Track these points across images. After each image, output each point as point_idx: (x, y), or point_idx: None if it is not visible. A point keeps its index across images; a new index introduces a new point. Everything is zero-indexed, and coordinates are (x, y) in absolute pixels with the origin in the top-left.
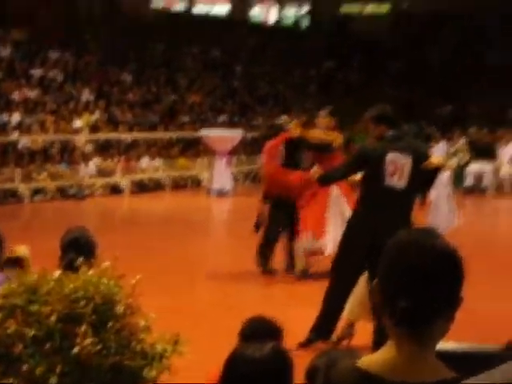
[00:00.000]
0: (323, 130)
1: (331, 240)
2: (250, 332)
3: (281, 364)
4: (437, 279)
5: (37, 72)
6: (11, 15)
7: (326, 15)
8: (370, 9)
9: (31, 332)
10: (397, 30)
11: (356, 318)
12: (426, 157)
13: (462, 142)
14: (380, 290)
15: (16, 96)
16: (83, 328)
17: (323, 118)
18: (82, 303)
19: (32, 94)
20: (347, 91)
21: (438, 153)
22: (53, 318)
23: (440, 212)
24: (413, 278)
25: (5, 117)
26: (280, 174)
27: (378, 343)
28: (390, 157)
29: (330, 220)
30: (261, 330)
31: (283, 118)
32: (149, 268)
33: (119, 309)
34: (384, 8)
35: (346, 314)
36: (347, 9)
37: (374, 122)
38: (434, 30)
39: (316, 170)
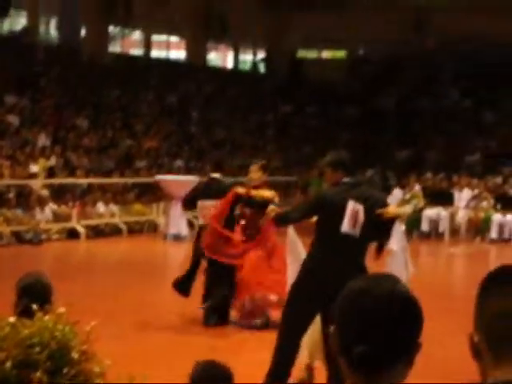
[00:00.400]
0: (255, 184)
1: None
2: (199, 377)
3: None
4: (395, 324)
5: None
6: None
7: (283, 60)
8: (326, 54)
9: None
10: (353, 75)
11: (315, 359)
12: (382, 205)
13: (417, 187)
14: (337, 335)
15: None
16: (38, 374)
17: (255, 173)
18: (38, 349)
19: None
20: (304, 136)
21: (393, 198)
22: (8, 364)
23: (396, 263)
24: (370, 324)
25: None
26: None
27: None
28: (349, 204)
29: (290, 267)
30: (211, 375)
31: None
32: (104, 313)
33: (74, 355)
34: (340, 54)
35: (304, 357)
36: (304, 54)
37: (330, 167)
38: (390, 74)
39: (272, 208)
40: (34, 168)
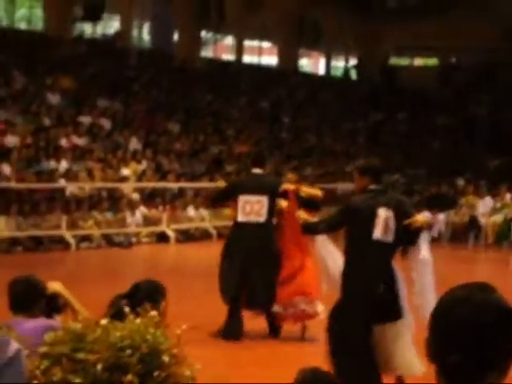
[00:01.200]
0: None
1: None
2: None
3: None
4: (491, 335)
5: (85, 119)
6: (60, 63)
7: (375, 67)
8: (418, 62)
9: (77, 380)
10: (444, 83)
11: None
12: (410, 213)
13: (508, 196)
14: (430, 342)
15: (64, 143)
16: (129, 377)
17: (289, 175)
18: (129, 352)
19: (80, 141)
20: (395, 143)
21: (484, 207)
22: (99, 367)
23: (429, 271)
24: (466, 333)
25: (52, 164)
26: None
27: None
28: (380, 211)
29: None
30: (317, 381)
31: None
32: (195, 317)
33: (165, 358)
34: (432, 61)
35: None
36: (395, 61)
37: (359, 172)
38: (482, 82)
39: (301, 213)
40: (125, 171)
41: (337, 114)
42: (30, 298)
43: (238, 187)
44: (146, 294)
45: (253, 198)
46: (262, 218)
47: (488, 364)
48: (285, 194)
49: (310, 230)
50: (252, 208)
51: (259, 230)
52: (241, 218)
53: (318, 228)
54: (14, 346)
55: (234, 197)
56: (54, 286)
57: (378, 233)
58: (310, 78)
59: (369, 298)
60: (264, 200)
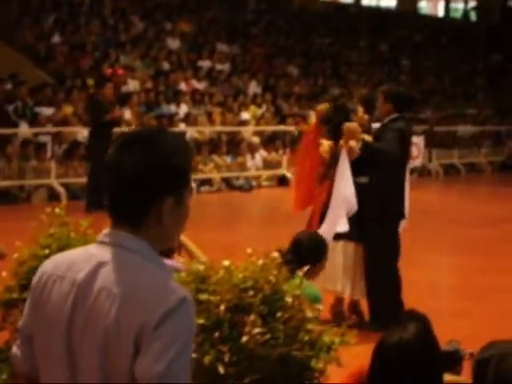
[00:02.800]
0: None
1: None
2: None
3: (426, 344)
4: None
5: (205, 64)
6: (178, 8)
7: (494, 8)
8: None
9: (200, 321)
10: None
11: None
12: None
13: None
14: None
15: (184, 87)
16: (252, 318)
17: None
18: (251, 293)
19: (200, 85)
20: None
21: None
22: (222, 308)
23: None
24: None
25: (172, 108)
26: None
27: None
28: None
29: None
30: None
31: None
32: None
33: (288, 299)
34: None
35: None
36: None
37: (384, 97)
38: None
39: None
40: (245, 115)
41: (456, 56)
42: None
43: None
44: (309, 249)
45: None
46: None
47: None
48: None
49: (374, 150)
50: None
51: None
52: None
53: (383, 148)
54: (180, 294)
55: None
56: None
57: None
58: (430, 20)
59: None
60: None
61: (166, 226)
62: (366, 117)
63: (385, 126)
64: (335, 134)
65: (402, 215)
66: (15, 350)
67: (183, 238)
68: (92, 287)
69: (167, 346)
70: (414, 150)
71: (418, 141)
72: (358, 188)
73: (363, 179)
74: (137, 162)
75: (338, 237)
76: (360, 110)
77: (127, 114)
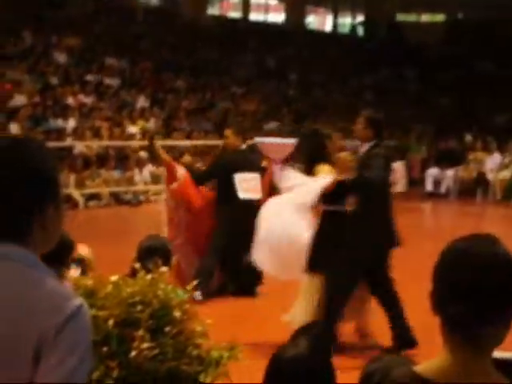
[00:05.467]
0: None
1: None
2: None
3: (319, 360)
4: (494, 286)
5: (93, 78)
6: (66, 22)
7: (382, 23)
8: (425, 18)
9: None
10: (452, 39)
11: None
12: None
13: None
14: (434, 295)
15: (72, 102)
16: (140, 332)
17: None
18: (140, 308)
19: (87, 99)
20: (403, 100)
21: (492, 163)
22: (110, 323)
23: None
24: (468, 284)
25: (60, 122)
26: None
27: None
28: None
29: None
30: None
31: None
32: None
33: (176, 314)
34: (439, 17)
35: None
36: (402, 17)
37: (368, 122)
38: (489, 38)
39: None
40: (133, 129)
41: (344, 71)
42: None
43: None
44: (157, 252)
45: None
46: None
47: (491, 317)
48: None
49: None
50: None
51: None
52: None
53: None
54: (75, 301)
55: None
56: (83, 250)
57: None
58: (317, 35)
59: None
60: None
61: (49, 231)
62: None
63: (368, 152)
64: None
65: (395, 243)
66: None
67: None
68: None
69: (67, 354)
70: (396, 176)
71: (398, 166)
72: (339, 217)
73: (342, 207)
74: (12, 174)
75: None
76: (335, 135)
77: (14, 129)
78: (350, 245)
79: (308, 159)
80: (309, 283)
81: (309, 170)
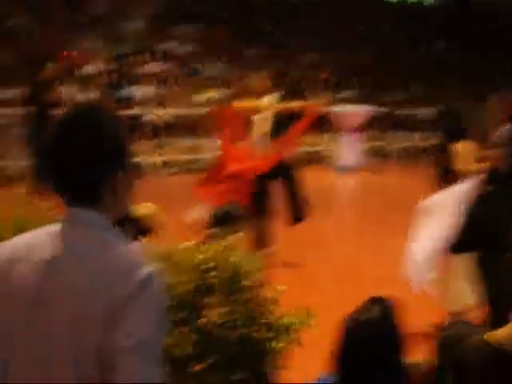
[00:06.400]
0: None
1: None
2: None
3: (390, 324)
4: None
5: (166, 46)
6: None
7: None
8: None
9: None
10: None
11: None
12: None
13: None
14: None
15: (145, 68)
16: (212, 299)
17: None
18: (212, 274)
19: (161, 67)
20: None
21: None
22: (183, 288)
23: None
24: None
25: (131, 91)
26: None
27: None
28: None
29: None
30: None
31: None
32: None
33: (248, 281)
34: None
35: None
36: None
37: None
38: None
39: None
40: (203, 98)
41: (408, 41)
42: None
43: None
44: (230, 218)
45: None
46: None
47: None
48: None
49: None
50: None
51: None
52: None
53: None
54: (148, 266)
55: None
56: (144, 208)
57: None
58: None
59: None
60: None
61: (119, 196)
62: None
63: None
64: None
65: None
66: None
67: (158, 216)
68: (57, 266)
69: (141, 319)
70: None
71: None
72: None
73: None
74: (87, 141)
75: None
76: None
77: (88, 96)
78: None
79: (448, 136)
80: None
81: (448, 148)
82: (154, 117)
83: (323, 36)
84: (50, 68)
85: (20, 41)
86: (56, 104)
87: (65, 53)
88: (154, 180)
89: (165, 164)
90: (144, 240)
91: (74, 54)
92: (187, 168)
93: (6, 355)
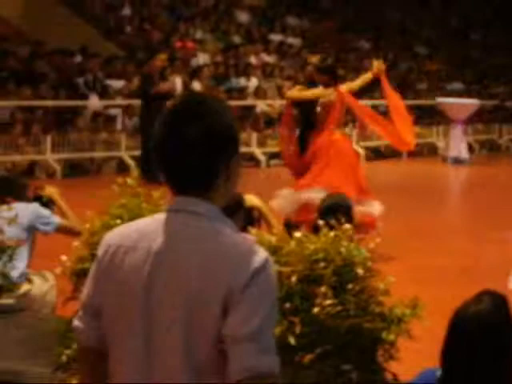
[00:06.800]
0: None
1: None
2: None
3: (500, 316)
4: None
5: (275, 37)
6: None
7: None
8: None
9: None
10: None
11: None
12: None
13: None
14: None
15: (254, 61)
16: (323, 289)
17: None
18: (323, 264)
19: (270, 59)
20: None
21: None
22: (293, 279)
23: None
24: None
25: (242, 81)
26: None
27: None
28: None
29: None
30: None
31: None
32: (384, 233)
33: (359, 271)
34: None
35: None
36: None
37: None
38: None
39: None
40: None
41: None
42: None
43: None
44: (339, 209)
45: None
46: None
47: None
48: None
49: None
50: None
51: None
52: None
53: None
54: (261, 254)
55: None
56: (251, 200)
57: None
58: None
59: None
60: None
61: (232, 183)
62: None
63: None
64: None
65: None
66: (77, 322)
67: (265, 207)
68: (170, 255)
69: (256, 306)
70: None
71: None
72: None
73: None
74: (201, 131)
75: None
76: None
77: (197, 87)
78: None
79: None
80: None
81: None
82: (267, 108)
83: (432, 28)
84: (161, 58)
85: (128, 31)
86: (167, 95)
87: (177, 43)
88: (264, 170)
89: (276, 155)
90: (253, 230)
91: (189, 44)
92: None
93: (115, 340)
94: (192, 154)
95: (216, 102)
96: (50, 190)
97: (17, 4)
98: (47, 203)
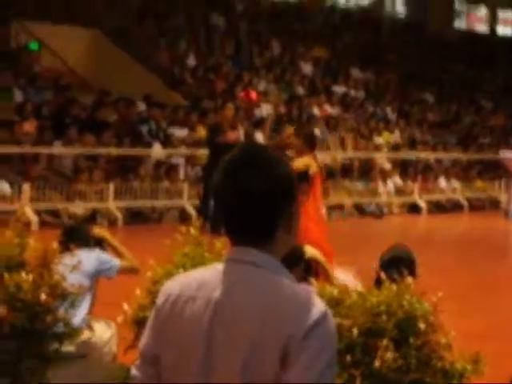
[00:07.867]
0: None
1: None
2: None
3: None
4: None
5: (339, 89)
6: (313, 33)
7: None
8: None
9: None
10: None
11: None
12: None
13: None
14: None
15: (317, 112)
16: (385, 342)
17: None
18: (384, 318)
19: (333, 110)
20: None
21: None
22: (355, 331)
23: None
24: None
25: None
26: None
27: None
28: None
29: None
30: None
31: None
32: (443, 288)
33: (421, 325)
34: None
35: None
36: None
37: None
38: None
39: None
40: (379, 140)
41: None
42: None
43: None
44: (402, 262)
45: None
46: None
47: None
48: None
49: None
50: None
51: None
52: None
53: None
54: (321, 307)
55: None
56: (309, 251)
57: None
58: None
59: None
60: None
61: (291, 235)
62: None
63: None
64: None
65: None
66: (135, 371)
67: (322, 259)
68: (230, 305)
69: (316, 358)
70: None
71: None
72: None
73: None
74: (261, 182)
75: None
76: None
77: (259, 137)
78: None
79: None
80: None
81: None
82: (329, 159)
83: (496, 82)
84: (230, 108)
85: (192, 81)
86: (232, 145)
87: (243, 93)
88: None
89: (337, 207)
90: (313, 282)
91: (253, 94)
92: (361, 211)
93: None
94: (251, 205)
95: (271, 152)
96: (99, 231)
97: (82, 54)
98: (100, 243)
